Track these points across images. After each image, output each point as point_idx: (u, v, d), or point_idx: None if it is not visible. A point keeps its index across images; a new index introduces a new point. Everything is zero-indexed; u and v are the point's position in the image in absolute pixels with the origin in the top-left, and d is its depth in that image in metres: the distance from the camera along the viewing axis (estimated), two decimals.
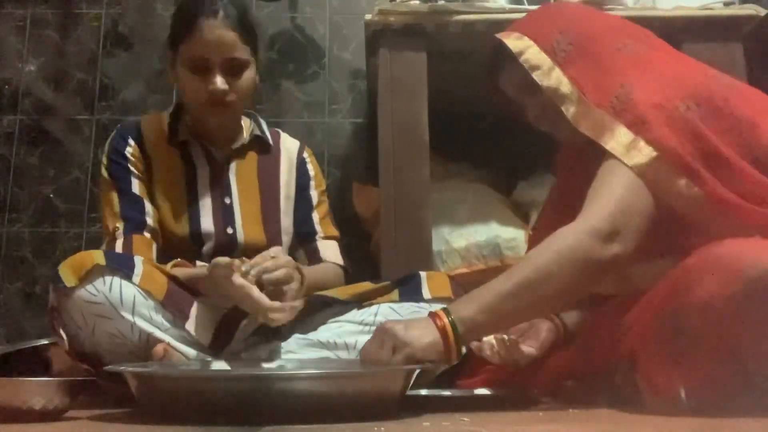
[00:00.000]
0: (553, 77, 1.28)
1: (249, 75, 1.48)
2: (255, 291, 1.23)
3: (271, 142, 1.62)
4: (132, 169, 1.49)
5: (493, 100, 1.49)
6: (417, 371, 1.10)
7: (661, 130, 1.15)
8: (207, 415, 0.95)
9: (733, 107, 1.19)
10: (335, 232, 1.63)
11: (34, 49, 2.40)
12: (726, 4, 1.80)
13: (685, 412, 1.01)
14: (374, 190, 1.87)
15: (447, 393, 1.26)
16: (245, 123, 1.61)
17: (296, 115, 2.34)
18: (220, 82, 1.43)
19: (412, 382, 1.08)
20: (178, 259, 1.41)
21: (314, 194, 1.63)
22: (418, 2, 1.79)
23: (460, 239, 1.84)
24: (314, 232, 1.59)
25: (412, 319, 1.19)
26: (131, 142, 1.50)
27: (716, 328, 0.98)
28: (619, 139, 1.18)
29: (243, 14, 1.47)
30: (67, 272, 1.24)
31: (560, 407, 1.18)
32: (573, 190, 1.33)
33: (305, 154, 1.66)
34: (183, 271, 1.36)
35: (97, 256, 1.25)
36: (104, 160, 1.51)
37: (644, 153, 1.15)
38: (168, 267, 1.36)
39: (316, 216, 1.61)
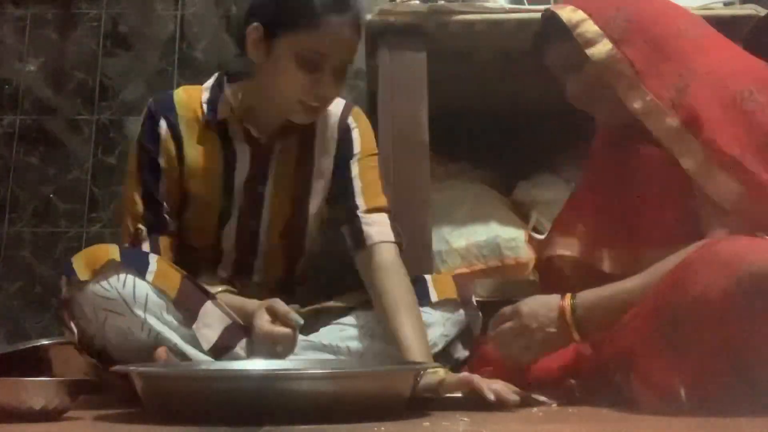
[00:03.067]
0: (606, 53, 1.24)
1: (344, 81, 1.38)
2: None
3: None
4: (161, 162, 1.39)
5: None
6: (419, 372, 1.10)
7: (713, 132, 1.15)
8: (207, 415, 0.95)
9: None
10: (382, 202, 1.44)
11: (34, 49, 2.39)
12: (726, 4, 1.80)
13: (681, 410, 1.00)
14: None
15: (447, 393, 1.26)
16: None
17: None
18: (332, 85, 1.32)
19: (415, 384, 1.08)
20: (227, 287, 1.39)
21: (354, 166, 1.46)
22: (418, 2, 1.79)
23: (460, 239, 1.84)
24: (354, 207, 1.42)
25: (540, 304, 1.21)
26: (163, 123, 1.39)
27: (711, 322, 0.99)
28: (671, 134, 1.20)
29: (364, 20, 1.39)
30: (81, 265, 1.24)
31: (560, 407, 1.18)
32: (608, 173, 1.35)
33: (350, 120, 1.49)
34: (230, 299, 1.34)
35: (113, 252, 1.25)
36: (135, 145, 1.41)
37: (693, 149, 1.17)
38: (216, 290, 1.34)
39: (357, 185, 1.44)
